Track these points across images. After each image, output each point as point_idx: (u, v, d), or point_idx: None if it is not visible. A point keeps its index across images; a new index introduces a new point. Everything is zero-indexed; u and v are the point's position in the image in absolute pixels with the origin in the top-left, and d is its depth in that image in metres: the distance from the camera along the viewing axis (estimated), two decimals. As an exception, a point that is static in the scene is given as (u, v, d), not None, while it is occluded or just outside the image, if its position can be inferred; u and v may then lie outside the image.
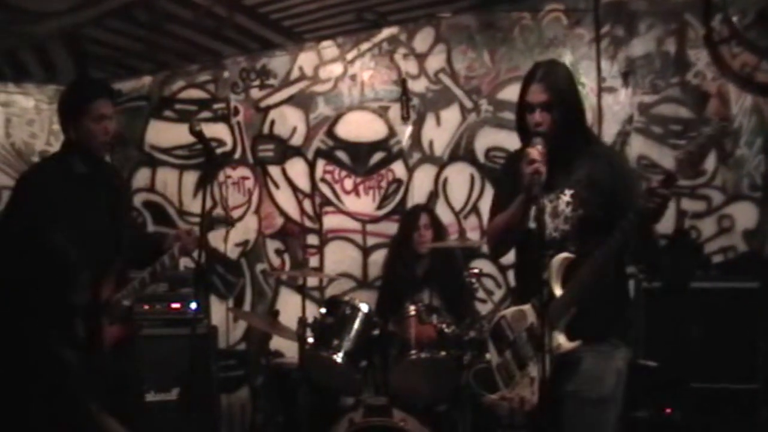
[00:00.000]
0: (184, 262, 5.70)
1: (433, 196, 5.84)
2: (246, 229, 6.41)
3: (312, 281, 6.11)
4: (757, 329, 4.46)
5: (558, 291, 3.11)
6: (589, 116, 5.36)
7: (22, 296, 2.46)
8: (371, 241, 6.10)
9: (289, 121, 6.30)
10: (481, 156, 5.76)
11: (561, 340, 3.09)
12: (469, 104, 5.78)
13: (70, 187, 3.93)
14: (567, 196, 3.21)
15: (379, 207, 6.08)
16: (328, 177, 6.22)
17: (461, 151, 5.81)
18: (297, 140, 6.29)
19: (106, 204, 4.08)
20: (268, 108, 6.37)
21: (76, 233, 3.49)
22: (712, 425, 4.48)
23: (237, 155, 6.45)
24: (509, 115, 5.62)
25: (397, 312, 4.83)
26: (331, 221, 6.21)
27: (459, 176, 5.82)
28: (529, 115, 3.26)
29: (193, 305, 5.24)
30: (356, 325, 4.71)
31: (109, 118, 3.97)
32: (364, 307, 4.77)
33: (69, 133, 3.97)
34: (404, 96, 5.93)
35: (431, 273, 5.35)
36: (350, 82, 6.14)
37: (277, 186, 6.35)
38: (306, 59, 6.27)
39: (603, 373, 3.20)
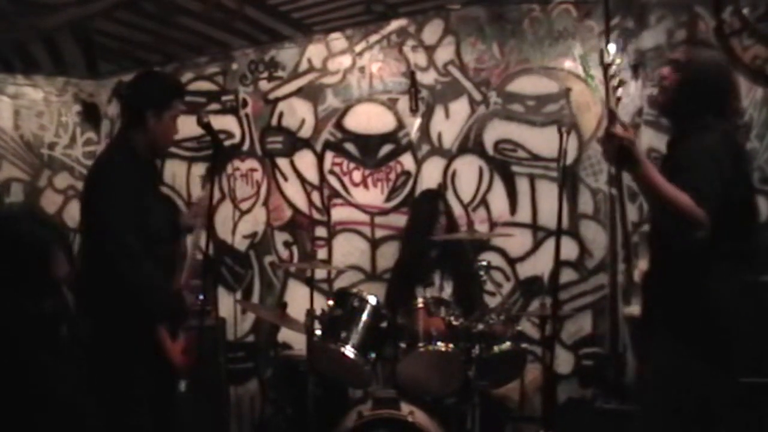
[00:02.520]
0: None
1: (441, 188, 5.81)
2: (255, 221, 6.42)
3: (320, 273, 6.12)
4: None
5: None
6: (598, 109, 5.40)
7: None
8: (380, 233, 6.09)
9: (297, 113, 6.30)
10: (490, 148, 5.74)
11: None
12: (478, 96, 5.77)
13: (139, 178, 3.96)
14: None
15: (388, 199, 6.07)
16: (336, 169, 6.21)
17: (470, 144, 5.80)
18: (305, 132, 6.28)
19: (159, 194, 4.32)
20: (277, 100, 6.37)
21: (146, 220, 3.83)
22: (761, 420, 4.45)
23: (245, 147, 6.45)
24: (518, 108, 5.63)
25: (406, 304, 4.83)
26: (339, 213, 6.21)
27: (468, 169, 5.81)
28: None
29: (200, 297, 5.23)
30: (364, 317, 4.70)
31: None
32: (373, 300, 4.76)
33: (146, 124, 3.92)
34: (413, 88, 5.91)
35: (443, 256, 5.35)
36: (359, 74, 6.13)
37: (285, 178, 6.35)
38: (315, 51, 6.26)
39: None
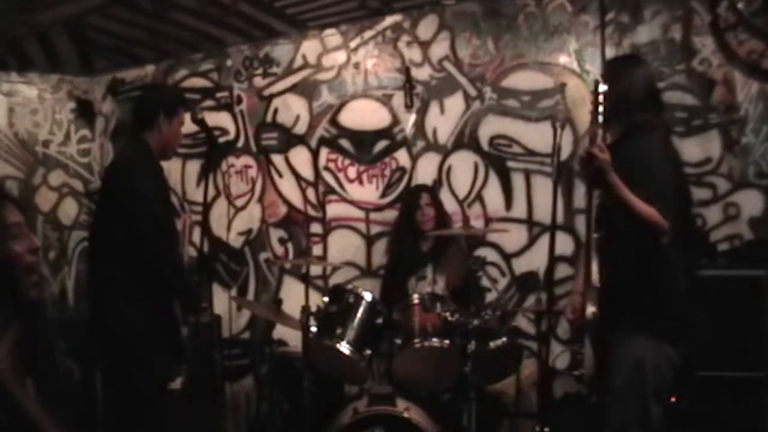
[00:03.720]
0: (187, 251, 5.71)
1: (436, 184, 5.81)
2: (250, 217, 6.41)
3: (315, 270, 6.12)
4: (763, 317, 4.44)
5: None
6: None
7: None
8: (375, 229, 6.08)
9: (292, 110, 6.29)
10: (485, 144, 5.73)
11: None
12: (473, 92, 5.75)
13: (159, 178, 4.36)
14: None
15: (383, 195, 6.06)
16: (331, 165, 6.20)
17: (465, 139, 5.78)
18: (300, 128, 6.28)
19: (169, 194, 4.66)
20: (272, 96, 6.36)
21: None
22: (719, 413, 4.46)
23: (240, 144, 6.45)
24: (513, 103, 5.62)
25: (401, 300, 4.83)
26: (334, 210, 6.20)
27: (463, 164, 5.79)
28: None
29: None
30: (360, 313, 4.71)
31: None
32: (368, 296, 4.76)
33: (159, 126, 4.30)
34: (408, 84, 5.90)
35: (435, 249, 5.35)
36: (354, 70, 6.12)
37: (280, 174, 6.34)
38: (309, 47, 6.25)
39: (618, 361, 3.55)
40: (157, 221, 4.13)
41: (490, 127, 5.71)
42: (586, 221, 3.68)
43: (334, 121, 6.19)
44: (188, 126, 4.45)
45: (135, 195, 4.08)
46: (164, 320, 4.24)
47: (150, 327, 4.12)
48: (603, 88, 3.41)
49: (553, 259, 4.12)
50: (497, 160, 5.69)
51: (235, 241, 6.46)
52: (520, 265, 5.63)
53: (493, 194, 5.71)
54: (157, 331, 4.15)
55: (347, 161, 6.16)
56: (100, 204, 4.48)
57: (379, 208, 6.07)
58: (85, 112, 6.99)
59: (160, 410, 4.18)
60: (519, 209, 5.64)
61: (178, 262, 4.47)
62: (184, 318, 4.38)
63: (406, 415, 4.37)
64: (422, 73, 5.90)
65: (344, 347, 4.58)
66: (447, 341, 4.53)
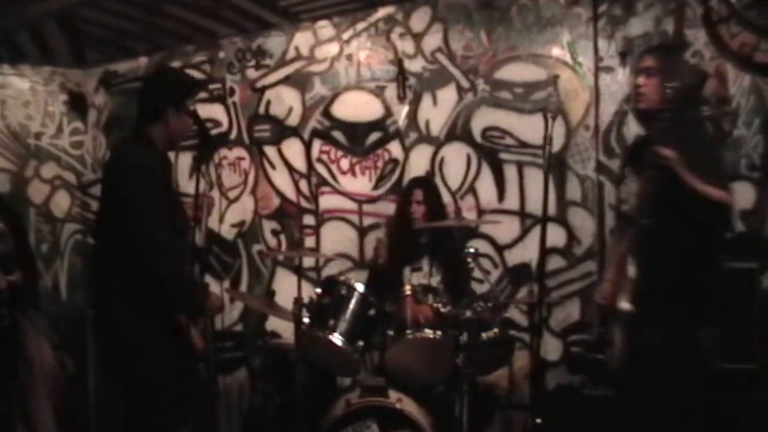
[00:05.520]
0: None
1: (429, 175, 5.81)
2: (242, 209, 6.41)
3: (308, 261, 6.13)
4: (754, 310, 4.45)
5: None
6: (586, 96, 5.39)
7: None
8: (368, 221, 6.08)
9: (285, 102, 6.29)
10: (477, 136, 5.73)
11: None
12: (466, 84, 5.75)
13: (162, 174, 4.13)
14: None
15: (376, 187, 6.06)
16: (324, 157, 6.20)
17: (458, 131, 5.78)
18: (293, 120, 6.28)
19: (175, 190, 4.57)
20: (264, 88, 6.36)
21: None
22: (709, 405, 4.47)
23: (233, 136, 6.46)
24: (506, 95, 5.62)
25: (394, 291, 4.83)
26: (327, 201, 6.20)
27: (456, 156, 5.79)
28: None
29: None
30: (352, 305, 4.71)
31: None
32: (361, 287, 4.77)
33: (167, 116, 4.06)
34: (401, 76, 5.90)
35: (432, 242, 5.35)
36: (346, 62, 6.12)
37: (273, 166, 6.34)
38: (302, 39, 6.25)
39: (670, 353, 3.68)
40: (161, 226, 3.90)
41: (483, 119, 5.71)
42: (618, 213, 3.95)
43: (326, 113, 6.19)
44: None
45: (136, 198, 3.89)
46: (168, 327, 4.06)
47: (153, 334, 3.97)
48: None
49: (545, 251, 4.14)
50: (490, 151, 5.69)
51: (228, 233, 6.46)
52: (513, 257, 5.64)
53: (486, 186, 5.71)
54: (160, 338, 3.99)
55: (340, 153, 6.16)
56: (101, 207, 4.31)
57: (372, 200, 6.08)
58: (77, 104, 6.98)
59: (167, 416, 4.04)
60: (511, 201, 5.64)
61: (184, 269, 4.13)
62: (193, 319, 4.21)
63: (398, 406, 4.39)
64: (415, 65, 5.89)
65: (337, 339, 4.59)
66: (439, 333, 4.54)
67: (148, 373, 3.96)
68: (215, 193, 6.43)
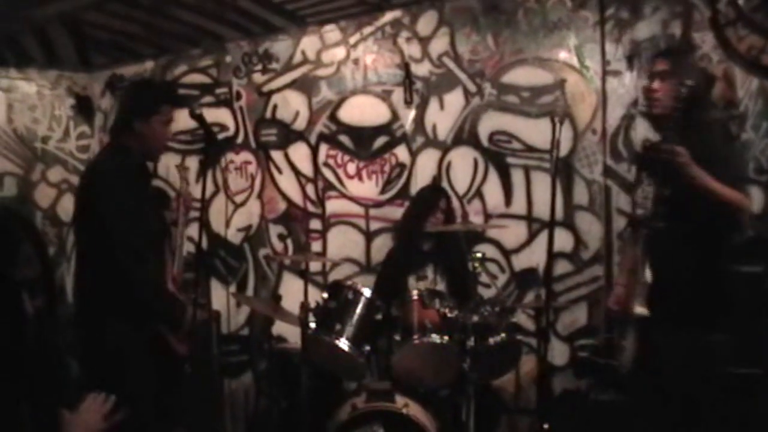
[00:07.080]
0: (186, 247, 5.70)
1: (436, 180, 5.80)
2: (249, 213, 6.41)
3: (315, 266, 6.13)
4: (761, 314, 4.44)
5: None
6: (593, 100, 5.38)
7: None
8: (374, 225, 6.07)
9: (291, 106, 6.29)
10: (484, 140, 5.71)
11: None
12: (472, 88, 5.74)
13: (135, 180, 4.15)
14: None
15: (383, 191, 6.05)
16: (330, 161, 6.20)
17: (465, 135, 5.77)
18: (300, 124, 6.28)
19: (150, 195, 4.48)
20: (271, 92, 6.37)
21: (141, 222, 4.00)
22: (716, 409, 4.45)
23: (239, 140, 6.46)
24: (513, 99, 5.60)
25: (399, 295, 4.82)
26: (334, 206, 6.20)
27: (462, 160, 5.78)
28: None
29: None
30: (359, 309, 4.69)
31: (171, 123, 4.28)
32: (367, 292, 4.74)
33: (134, 129, 4.12)
34: (407, 80, 5.89)
35: (436, 248, 5.33)
36: (353, 66, 6.12)
37: (279, 171, 6.34)
38: (308, 43, 6.25)
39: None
40: (137, 239, 3.92)
41: (490, 123, 5.70)
42: (632, 218, 3.99)
43: (333, 117, 6.19)
44: (187, 122, 4.45)
45: (103, 211, 3.91)
46: (145, 335, 4.05)
47: (132, 342, 3.96)
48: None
49: (552, 255, 4.12)
50: (497, 156, 5.68)
51: (234, 237, 6.46)
52: (520, 262, 5.62)
53: (493, 190, 5.69)
54: (139, 346, 3.99)
55: (347, 157, 6.15)
56: (76, 220, 4.32)
57: (378, 205, 6.07)
58: (83, 108, 6.99)
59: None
60: (518, 205, 5.63)
61: (163, 286, 4.19)
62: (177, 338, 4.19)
63: (404, 411, 4.37)
64: (422, 69, 5.89)
65: (343, 343, 4.57)
66: (446, 337, 4.52)
67: (129, 381, 3.93)
68: (221, 197, 6.43)
